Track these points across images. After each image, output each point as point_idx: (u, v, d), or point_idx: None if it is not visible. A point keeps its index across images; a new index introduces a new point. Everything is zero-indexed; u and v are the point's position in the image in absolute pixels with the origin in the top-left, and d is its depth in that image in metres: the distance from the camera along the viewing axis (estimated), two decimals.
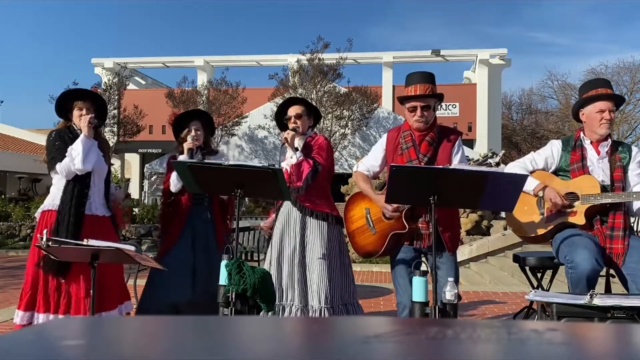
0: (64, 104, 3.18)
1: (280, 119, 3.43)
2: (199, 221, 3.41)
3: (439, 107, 2.93)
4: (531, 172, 3.04)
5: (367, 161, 3.07)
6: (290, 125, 3.27)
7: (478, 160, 2.66)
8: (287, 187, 2.76)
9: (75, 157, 2.99)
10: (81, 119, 3.09)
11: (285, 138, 3.15)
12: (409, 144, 2.84)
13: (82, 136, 3.04)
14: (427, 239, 2.74)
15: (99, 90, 15.16)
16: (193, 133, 3.38)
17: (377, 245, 2.89)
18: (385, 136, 3.02)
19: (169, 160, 3.49)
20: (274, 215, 3.44)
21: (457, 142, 2.88)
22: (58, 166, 3.03)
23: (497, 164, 2.54)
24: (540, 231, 2.99)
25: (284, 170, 3.21)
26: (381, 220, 2.87)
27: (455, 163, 2.80)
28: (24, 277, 3.10)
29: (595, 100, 2.93)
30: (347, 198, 10.54)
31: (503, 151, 2.71)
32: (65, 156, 3.02)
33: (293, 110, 3.31)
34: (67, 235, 2.88)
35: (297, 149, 3.18)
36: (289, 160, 3.19)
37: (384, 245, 2.84)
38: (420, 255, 2.83)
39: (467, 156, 2.98)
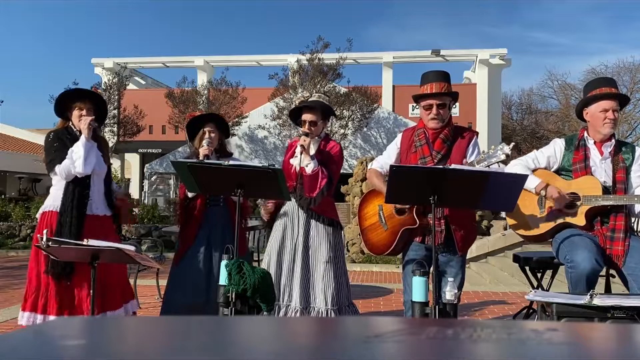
0: (64, 103, 3.13)
1: (295, 116, 3.44)
2: (215, 222, 3.37)
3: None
4: (533, 171, 3.03)
5: (382, 159, 3.10)
6: (303, 129, 3.29)
7: (488, 153, 2.61)
8: (287, 187, 2.76)
9: (76, 161, 2.96)
10: (81, 120, 3.04)
11: (302, 145, 3.16)
12: (422, 142, 2.86)
13: (82, 139, 3.00)
14: (438, 236, 2.73)
15: (99, 90, 15.15)
16: (207, 136, 3.33)
17: (388, 241, 2.90)
18: (400, 135, 3.05)
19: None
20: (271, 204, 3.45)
21: (472, 142, 2.87)
22: (57, 168, 3.00)
23: (508, 156, 2.52)
24: (541, 230, 2.98)
25: (292, 168, 3.23)
26: (393, 216, 2.89)
27: (472, 159, 2.78)
28: (25, 277, 3.08)
29: (599, 100, 2.92)
30: (347, 198, 10.55)
31: (513, 143, 2.68)
32: (64, 158, 2.98)
33: (308, 117, 3.32)
34: (69, 237, 2.85)
35: (312, 157, 3.19)
36: (304, 166, 3.20)
37: (396, 240, 2.86)
38: (431, 254, 2.83)
39: None
